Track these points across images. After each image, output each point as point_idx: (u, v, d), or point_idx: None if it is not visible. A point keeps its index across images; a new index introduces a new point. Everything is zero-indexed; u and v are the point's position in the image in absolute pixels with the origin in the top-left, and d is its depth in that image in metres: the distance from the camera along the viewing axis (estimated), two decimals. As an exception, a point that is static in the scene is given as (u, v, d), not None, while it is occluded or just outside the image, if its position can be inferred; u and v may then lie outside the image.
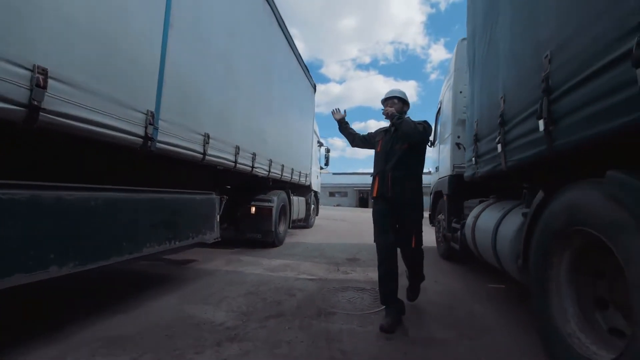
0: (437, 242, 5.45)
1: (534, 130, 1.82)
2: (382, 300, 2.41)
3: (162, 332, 2.02)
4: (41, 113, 1.54)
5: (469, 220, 3.55)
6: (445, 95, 5.37)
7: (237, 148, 3.80)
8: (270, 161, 5.02)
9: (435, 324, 2.34)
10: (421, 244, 2.53)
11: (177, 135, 2.67)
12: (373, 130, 2.92)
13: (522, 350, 1.90)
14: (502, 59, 2.50)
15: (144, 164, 2.81)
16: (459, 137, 4.41)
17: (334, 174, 38.39)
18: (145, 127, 2.27)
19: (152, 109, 2.35)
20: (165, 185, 2.64)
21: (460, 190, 4.29)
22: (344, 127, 2.99)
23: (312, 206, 9.36)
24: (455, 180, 4.42)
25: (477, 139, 3.15)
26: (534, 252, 1.89)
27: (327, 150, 10.82)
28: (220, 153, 3.41)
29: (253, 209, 5.10)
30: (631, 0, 1.12)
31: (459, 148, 4.35)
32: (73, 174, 2.20)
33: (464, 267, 4.31)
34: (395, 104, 2.64)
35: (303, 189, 8.12)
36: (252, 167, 4.31)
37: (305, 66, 7.27)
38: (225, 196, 4.01)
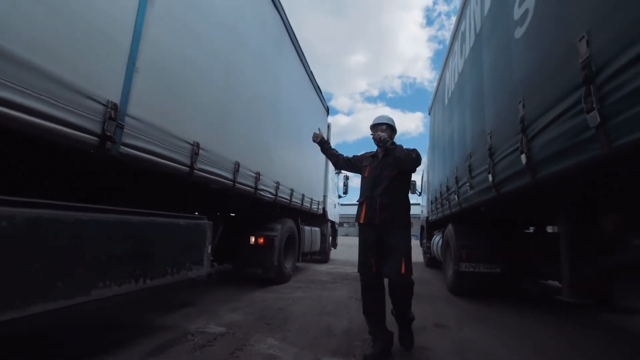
0: (424, 256, 8.93)
1: (445, 204, 5.26)
2: (369, 331, 2.33)
3: (306, 281, 5.27)
4: None
5: (432, 240, 7.16)
6: (424, 170, 8.96)
7: (237, 164, 3.24)
8: (278, 184, 4.39)
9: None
10: (411, 272, 2.20)
11: (152, 139, 2.07)
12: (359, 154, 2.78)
13: (440, 286, 5.14)
14: (436, 175, 6.48)
15: (108, 176, 2.31)
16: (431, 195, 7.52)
17: (341, 204, 38.24)
18: (104, 123, 1.71)
19: (116, 100, 1.80)
20: (145, 208, 2.06)
21: (432, 225, 7.42)
22: (325, 148, 2.83)
23: (329, 238, 8.57)
24: (429, 219, 7.59)
25: (431, 202, 7.13)
26: (442, 249, 5.31)
27: (346, 178, 10.37)
28: (214, 168, 2.85)
29: (252, 239, 4.43)
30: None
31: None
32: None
33: (435, 269, 7.59)
34: (385, 130, 2.54)
35: (318, 219, 7.48)
36: (256, 188, 3.70)
37: (318, 86, 6.59)
38: (221, 222, 3.54)
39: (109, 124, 1.73)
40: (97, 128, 1.69)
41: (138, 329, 2.52)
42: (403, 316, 2.32)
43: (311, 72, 6.10)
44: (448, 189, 4.76)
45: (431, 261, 7.68)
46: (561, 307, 3.98)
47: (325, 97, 7.37)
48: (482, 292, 4.48)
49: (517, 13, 2.15)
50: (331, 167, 8.40)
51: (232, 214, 4.75)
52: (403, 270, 2.14)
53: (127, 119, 1.88)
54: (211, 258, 2.95)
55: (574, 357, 2.41)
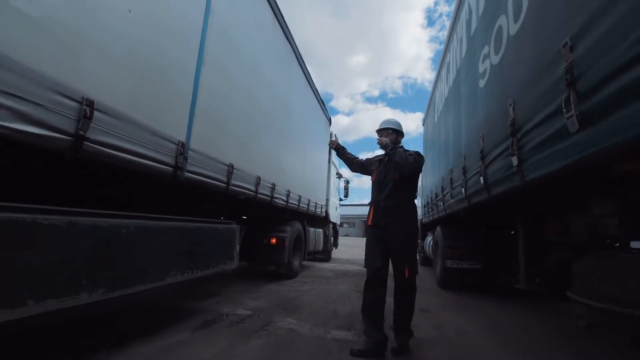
0: (417, 255, 9.66)
1: (434, 208, 6.15)
2: (364, 331, 2.33)
3: (312, 277, 5.95)
4: (85, 142, 1.62)
5: (424, 240, 7.89)
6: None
7: (258, 178, 3.84)
8: (289, 192, 5.00)
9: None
10: (415, 274, 2.34)
11: (204, 165, 2.70)
12: (372, 156, 2.88)
13: (430, 281, 5.83)
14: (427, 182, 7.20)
15: (168, 193, 2.88)
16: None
17: (341, 205, 37.27)
18: (176, 157, 2.30)
19: (183, 139, 2.39)
20: (187, 215, 2.56)
21: (425, 226, 8.05)
22: (341, 152, 3.01)
23: (331, 238, 9.21)
24: (422, 221, 8.18)
25: (424, 205, 7.88)
26: (432, 248, 6.05)
27: (347, 182, 10.98)
28: (242, 183, 3.44)
29: (266, 240, 5.04)
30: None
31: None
32: (100, 201, 2.31)
33: (428, 267, 8.19)
34: (390, 135, 2.59)
35: (321, 221, 8.09)
36: (272, 197, 4.30)
37: (322, 100, 7.36)
38: (244, 226, 4.05)
39: (179, 157, 2.33)
40: (172, 161, 2.28)
41: (181, 312, 3.15)
42: (402, 327, 2.32)
43: (315, 88, 6.67)
44: (437, 195, 5.43)
45: (424, 260, 8.37)
46: (528, 298, 4.64)
47: (325, 98, 7.99)
48: (465, 285, 5.13)
49: (481, 68, 2.80)
50: (333, 172, 9.04)
51: (244, 217, 5.17)
52: (407, 275, 2.29)
53: (189, 152, 2.47)
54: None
55: (521, 331, 3.04)
